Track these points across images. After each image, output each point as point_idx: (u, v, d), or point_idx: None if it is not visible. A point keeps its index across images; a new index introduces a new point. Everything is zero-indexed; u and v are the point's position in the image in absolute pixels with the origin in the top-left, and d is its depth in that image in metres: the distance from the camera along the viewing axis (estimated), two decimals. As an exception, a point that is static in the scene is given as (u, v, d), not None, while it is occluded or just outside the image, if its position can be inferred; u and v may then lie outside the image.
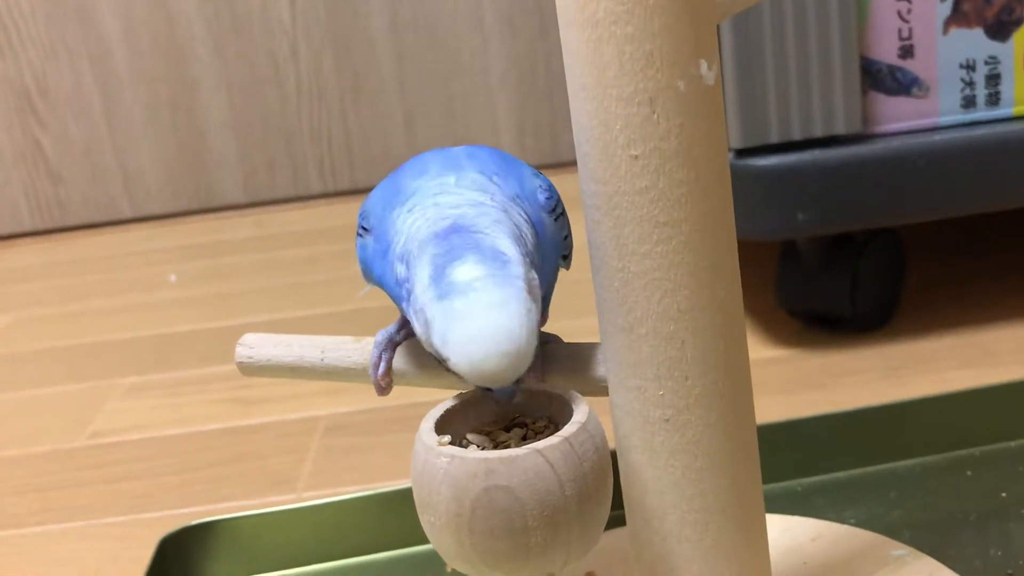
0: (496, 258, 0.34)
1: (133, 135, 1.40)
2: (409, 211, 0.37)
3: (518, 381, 0.35)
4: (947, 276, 0.87)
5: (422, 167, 0.39)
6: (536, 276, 0.35)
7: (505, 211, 0.37)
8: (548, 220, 0.39)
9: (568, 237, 0.41)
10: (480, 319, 0.33)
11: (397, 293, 0.37)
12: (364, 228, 0.40)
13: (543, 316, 0.42)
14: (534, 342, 0.34)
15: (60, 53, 1.37)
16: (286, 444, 0.73)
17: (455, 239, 0.35)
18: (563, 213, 0.40)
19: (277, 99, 1.40)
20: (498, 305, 0.33)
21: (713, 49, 0.35)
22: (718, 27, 0.41)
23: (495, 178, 0.38)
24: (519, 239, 0.36)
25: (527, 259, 0.36)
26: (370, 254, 0.40)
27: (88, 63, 1.38)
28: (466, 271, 0.34)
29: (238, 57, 1.38)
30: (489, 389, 0.36)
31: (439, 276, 0.34)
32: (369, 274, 0.41)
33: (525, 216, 0.38)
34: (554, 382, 0.39)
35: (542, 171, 0.41)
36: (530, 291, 0.34)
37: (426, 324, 0.34)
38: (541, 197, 0.39)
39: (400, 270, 0.37)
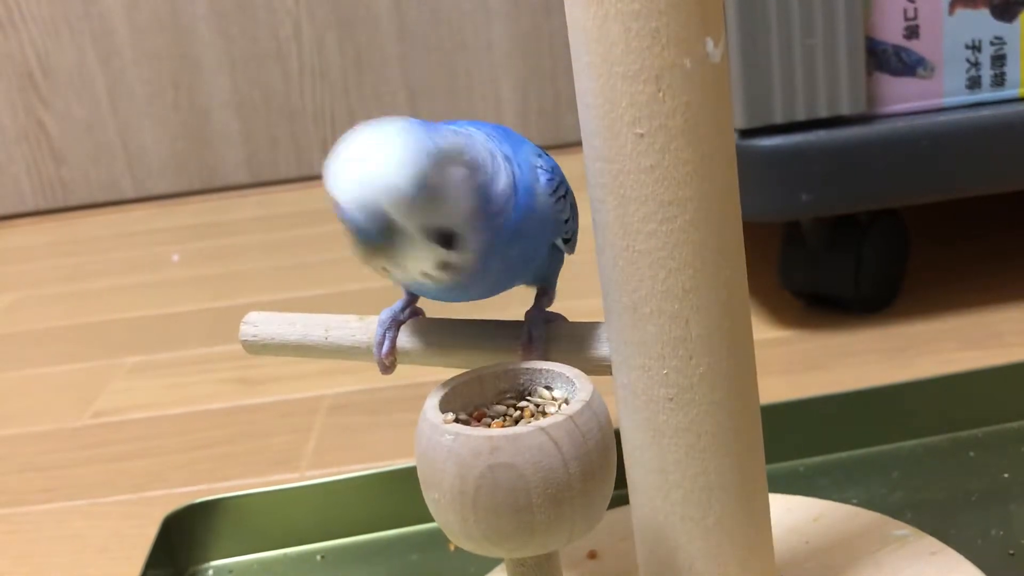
0: (414, 123, 0.34)
1: (136, 114, 1.40)
2: None
3: (384, 222, 0.33)
4: (950, 258, 0.87)
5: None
6: (458, 147, 0.35)
7: (478, 139, 0.37)
8: (542, 195, 0.38)
9: (570, 220, 0.40)
10: (351, 145, 0.34)
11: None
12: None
13: (548, 297, 0.42)
14: (403, 174, 0.33)
15: (62, 31, 1.37)
16: (290, 423, 0.73)
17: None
18: (565, 195, 0.40)
19: (280, 78, 1.39)
20: (372, 137, 0.34)
21: (719, 27, 0.35)
22: (724, 5, 0.41)
23: (491, 139, 0.38)
24: (471, 142, 0.36)
25: (468, 149, 0.35)
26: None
27: (91, 41, 1.37)
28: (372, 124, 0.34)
29: (241, 35, 1.38)
30: (347, 221, 0.33)
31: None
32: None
33: (513, 172, 0.37)
34: (558, 361, 0.39)
35: (546, 151, 0.41)
36: (415, 139, 0.33)
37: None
38: (542, 178, 0.39)
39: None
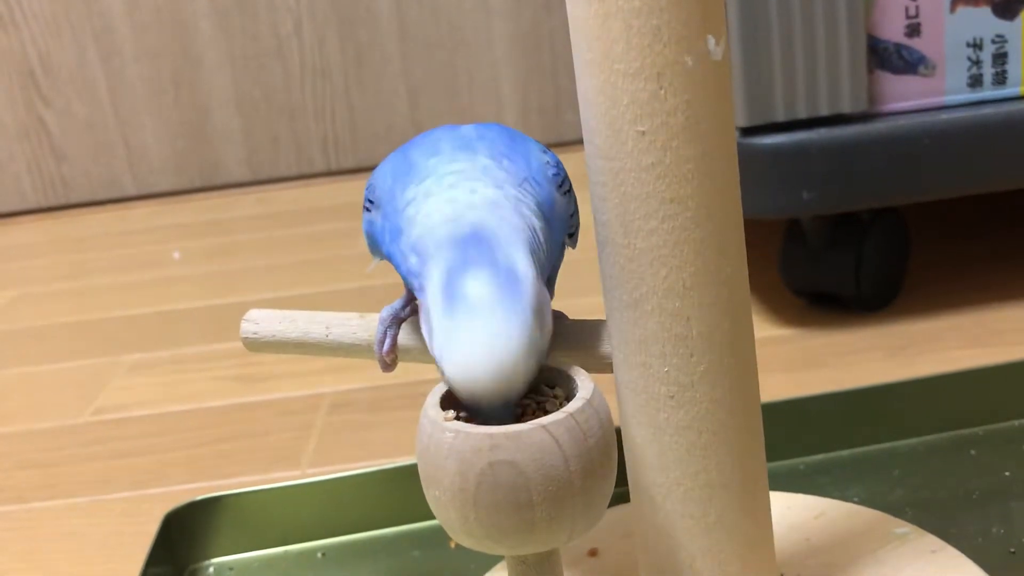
0: (509, 276, 0.34)
1: (136, 112, 1.40)
2: (425, 196, 0.37)
3: (516, 404, 0.35)
4: (951, 256, 0.87)
5: (434, 146, 0.39)
6: (546, 294, 0.35)
7: (519, 213, 0.36)
8: (558, 196, 0.39)
9: (575, 215, 0.41)
10: (479, 337, 0.33)
11: (409, 280, 0.38)
12: (371, 201, 0.40)
13: (549, 288, 0.42)
14: (530, 368, 0.34)
15: (63, 29, 1.37)
16: (290, 421, 0.73)
17: (472, 250, 0.35)
18: (570, 190, 0.40)
19: (281, 76, 1.39)
20: (500, 327, 0.33)
21: (721, 24, 0.35)
22: (725, 3, 0.41)
23: (505, 162, 0.38)
24: (533, 245, 0.36)
25: (538, 272, 0.35)
26: (377, 230, 0.39)
27: (91, 39, 1.37)
28: (477, 286, 0.34)
29: (242, 33, 1.38)
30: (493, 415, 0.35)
31: (450, 287, 0.34)
32: (376, 248, 0.41)
33: (535, 205, 0.37)
34: (559, 359, 0.39)
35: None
36: (537, 316, 0.34)
37: (430, 330, 0.35)
38: (549, 173, 0.39)
39: (413, 261, 0.37)
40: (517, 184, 0.38)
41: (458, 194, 0.37)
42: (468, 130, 0.40)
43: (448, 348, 0.34)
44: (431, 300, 0.35)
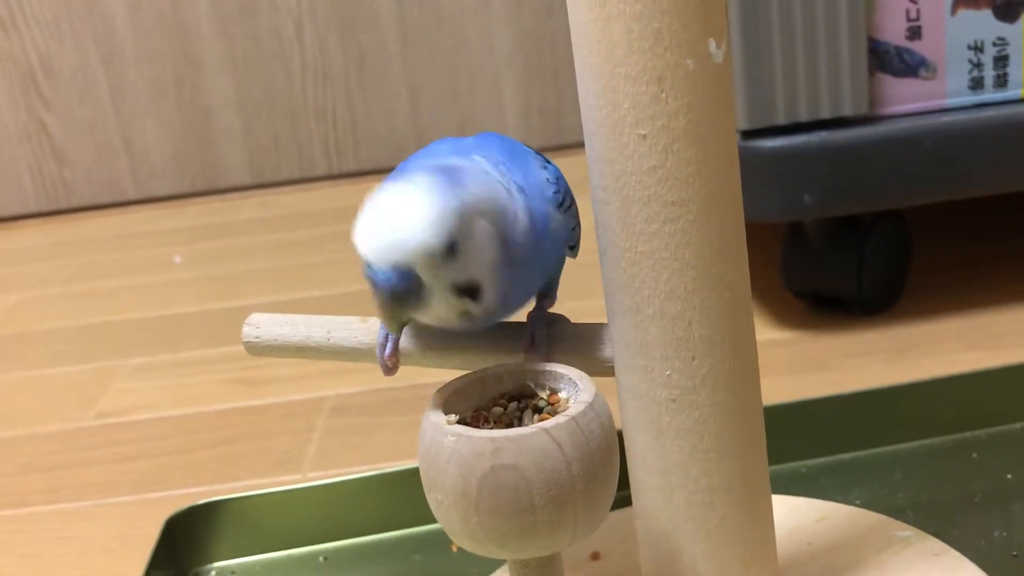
0: (443, 168, 0.35)
1: (138, 114, 1.40)
2: None
3: (400, 277, 0.33)
4: (953, 258, 0.87)
5: (430, 154, 0.40)
6: (472, 195, 0.35)
7: (499, 182, 0.37)
8: (555, 213, 0.39)
9: (576, 228, 0.41)
10: (376, 202, 0.34)
11: None
12: None
13: (550, 298, 0.42)
14: (427, 231, 0.33)
15: (65, 32, 1.37)
16: (292, 424, 0.73)
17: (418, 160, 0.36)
18: (571, 205, 0.40)
19: (282, 78, 1.40)
20: (396, 194, 0.34)
21: (722, 27, 0.35)
22: (726, 6, 0.41)
23: (501, 167, 0.38)
24: (497, 194, 0.36)
25: (491, 200, 0.35)
26: None
27: (93, 42, 1.38)
28: (401, 176, 0.35)
29: (243, 36, 1.38)
30: (379, 281, 0.34)
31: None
32: None
33: (525, 205, 0.37)
34: (561, 362, 0.39)
35: (547, 153, 0.41)
36: (440, 191, 0.34)
37: None
38: (548, 192, 0.39)
39: None
40: (509, 183, 0.38)
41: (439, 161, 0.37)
42: (468, 140, 0.40)
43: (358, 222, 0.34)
44: None
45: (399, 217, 0.33)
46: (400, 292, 0.34)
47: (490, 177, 0.37)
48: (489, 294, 0.36)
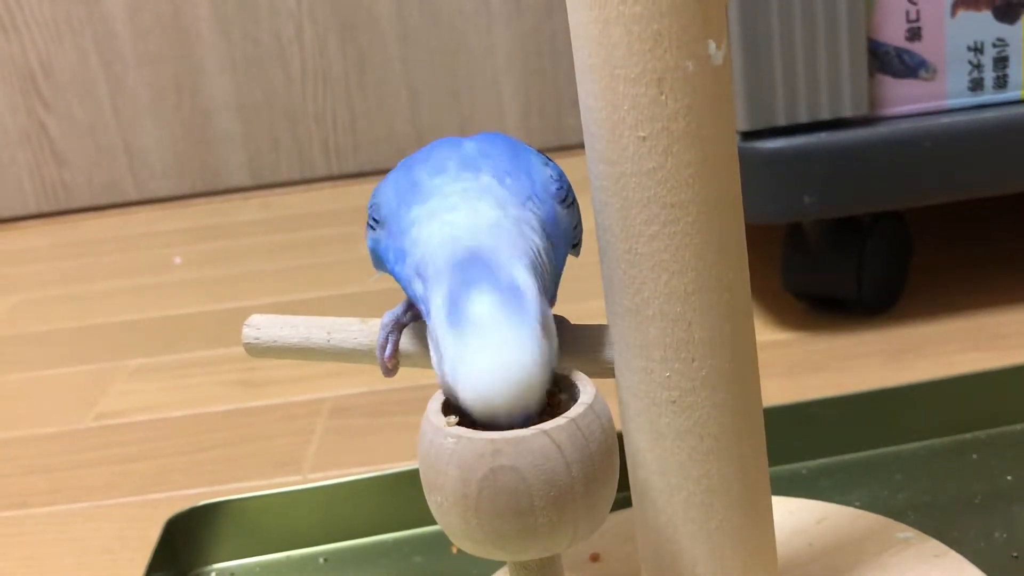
0: (512, 292, 0.34)
1: (138, 116, 1.40)
2: (428, 218, 0.37)
3: (527, 418, 0.34)
4: (953, 260, 0.87)
5: (438, 164, 0.39)
6: (550, 312, 0.35)
7: (521, 234, 0.36)
8: (561, 211, 0.39)
9: (578, 226, 0.41)
10: (490, 357, 0.33)
11: (416, 305, 0.38)
12: (375, 220, 0.40)
13: (551, 301, 0.42)
14: (545, 380, 0.34)
15: (64, 34, 1.37)
16: (292, 426, 0.73)
17: (470, 270, 0.35)
18: (574, 202, 0.40)
19: (282, 80, 1.40)
20: (510, 344, 0.33)
21: (722, 29, 0.35)
22: (726, 7, 0.41)
23: (508, 180, 0.38)
24: (535, 263, 0.36)
25: (541, 288, 0.35)
26: (383, 248, 0.39)
27: (93, 44, 1.38)
28: (480, 306, 0.34)
29: (243, 38, 1.38)
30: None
31: (453, 308, 0.34)
32: (381, 264, 0.41)
33: (539, 223, 0.37)
34: (561, 363, 0.39)
35: (546, 154, 0.41)
36: (544, 328, 0.34)
37: (439, 353, 0.35)
38: (552, 188, 0.39)
39: (418, 287, 0.37)
40: (520, 203, 0.37)
41: (458, 217, 0.36)
42: (471, 147, 0.40)
43: (461, 372, 0.34)
44: (436, 326, 0.35)
45: (513, 377, 0.33)
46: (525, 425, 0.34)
47: (524, 235, 0.36)
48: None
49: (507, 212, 0.37)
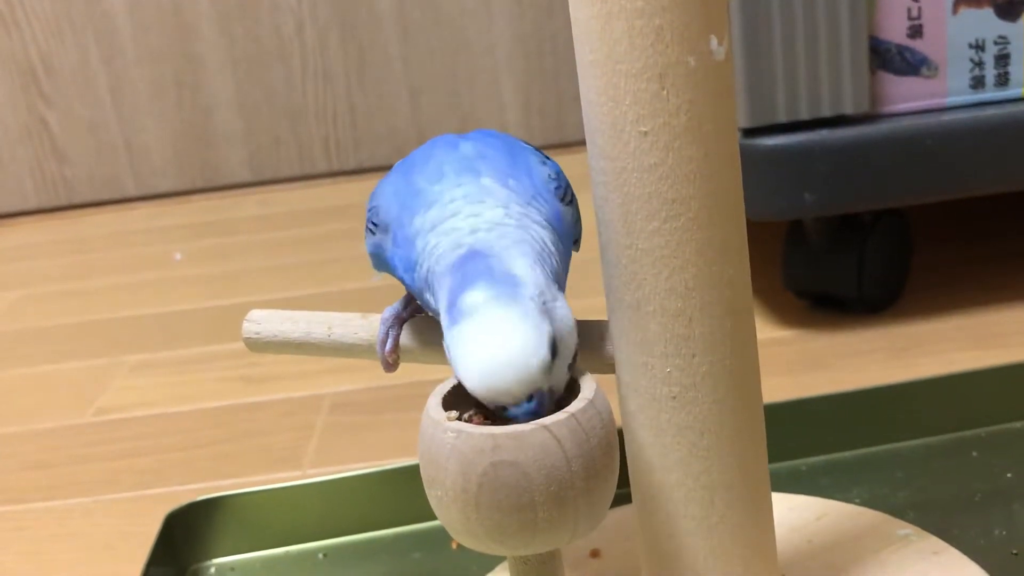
0: (506, 280, 0.34)
1: (138, 113, 1.40)
2: (432, 226, 0.37)
3: (537, 399, 0.34)
4: (953, 257, 0.87)
5: (437, 170, 0.39)
6: (557, 295, 0.35)
7: (523, 227, 0.36)
8: (563, 209, 0.39)
9: (577, 223, 0.41)
10: (484, 339, 0.34)
11: (429, 311, 0.38)
12: (374, 223, 0.40)
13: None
14: (546, 359, 0.34)
15: (65, 30, 1.37)
16: (292, 421, 0.73)
17: (468, 267, 0.35)
18: (572, 199, 0.40)
19: (283, 77, 1.39)
20: (503, 324, 0.33)
21: (723, 24, 0.35)
22: (728, 3, 0.41)
23: (511, 181, 0.38)
24: (541, 256, 0.36)
25: (550, 277, 0.35)
26: (389, 256, 0.39)
27: (93, 40, 1.38)
28: (474, 296, 0.34)
29: (244, 34, 1.38)
30: (506, 409, 0.34)
31: (452, 305, 0.35)
32: (382, 266, 0.41)
33: (544, 220, 0.37)
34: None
35: (547, 151, 0.41)
36: (543, 309, 0.34)
37: (450, 357, 0.35)
38: (551, 186, 0.39)
39: (431, 299, 0.37)
40: (524, 203, 0.37)
41: (460, 221, 0.37)
42: (468, 148, 0.40)
43: (461, 363, 0.34)
44: (443, 326, 0.35)
45: (511, 356, 0.33)
46: (538, 409, 0.34)
47: (528, 232, 0.36)
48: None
49: (510, 210, 0.37)
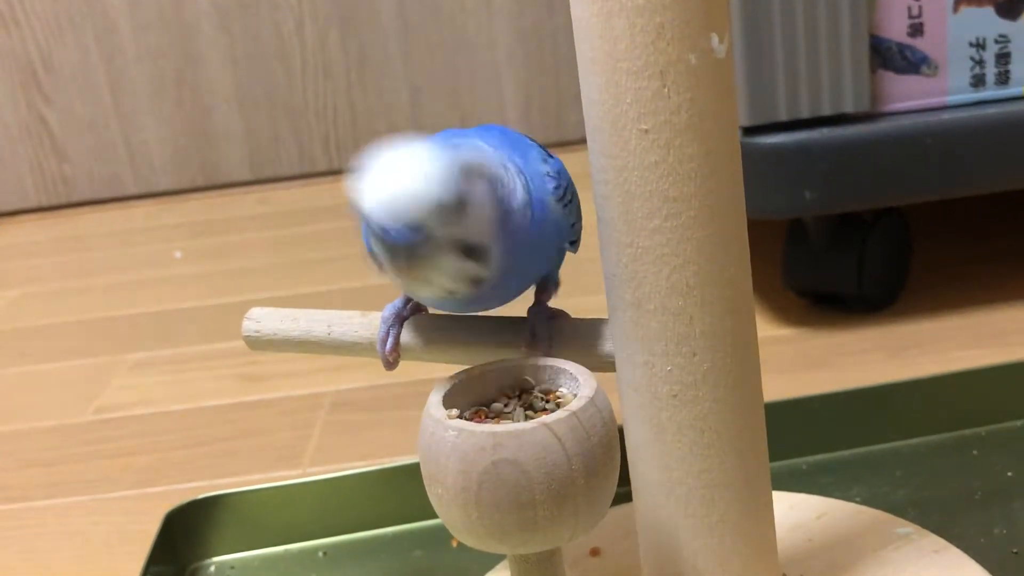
0: (431, 138, 0.35)
1: (138, 111, 1.40)
2: None
3: (423, 235, 0.34)
4: (953, 256, 0.87)
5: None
6: (487, 154, 0.36)
7: (491, 153, 0.37)
8: (553, 203, 0.39)
9: (576, 224, 0.41)
10: (379, 163, 0.34)
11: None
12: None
13: (550, 292, 0.42)
14: (439, 194, 0.33)
15: (65, 28, 1.37)
16: (292, 419, 0.73)
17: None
18: (572, 200, 0.40)
19: (282, 75, 1.39)
20: (400, 154, 0.34)
21: (724, 22, 0.35)
22: (729, 1, 0.41)
23: (500, 150, 0.38)
24: (500, 161, 0.37)
25: (493, 162, 0.36)
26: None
27: (93, 38, 1.37)
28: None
29: (244, 32, 1.38)
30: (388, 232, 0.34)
31: None
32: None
33: (519, 177, 0.38)
34: (562, 357, 0.39)
35: (549, 149, 0.41)
36: (469, 168, 0.34)
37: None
38: (549, 185, 0.39)
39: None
40: (515, 168, 0.38)
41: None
42: (470, 131, 0.40)
43: (360, 187, 0.34)
44: None
45: (407, 175, 0.33)
46: (414, 246, 0.34)
47: (486, 152, 0.37)
48: (494, 258, 0.36)
49: (488, 151, 0.38)
